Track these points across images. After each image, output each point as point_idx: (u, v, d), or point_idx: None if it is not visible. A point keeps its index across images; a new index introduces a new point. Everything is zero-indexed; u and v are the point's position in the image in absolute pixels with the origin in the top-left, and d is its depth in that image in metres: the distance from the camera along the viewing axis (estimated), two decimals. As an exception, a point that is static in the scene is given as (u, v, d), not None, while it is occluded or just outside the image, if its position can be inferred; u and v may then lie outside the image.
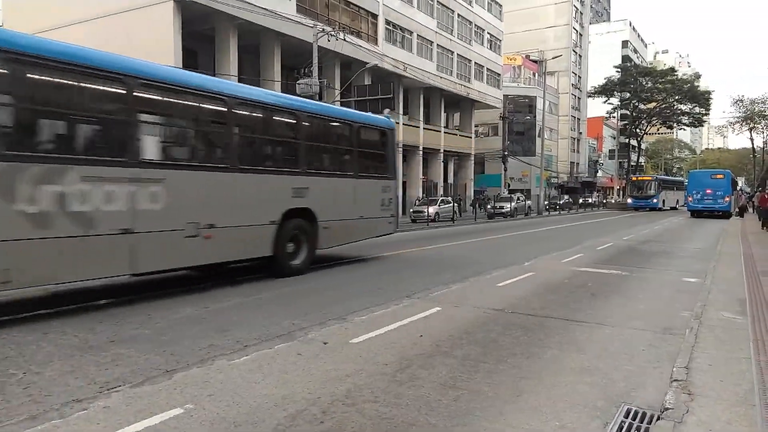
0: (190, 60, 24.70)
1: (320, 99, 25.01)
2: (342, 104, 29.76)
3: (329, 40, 24.76)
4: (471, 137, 47.90)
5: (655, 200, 47.66)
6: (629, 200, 50.63)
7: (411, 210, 31.55)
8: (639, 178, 52.34)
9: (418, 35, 38.12)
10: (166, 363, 4.99)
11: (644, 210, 47.03)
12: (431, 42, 39.80)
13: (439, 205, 30.98)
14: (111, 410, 3.93)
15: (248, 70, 27.39)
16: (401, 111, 37.24)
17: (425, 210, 29.31)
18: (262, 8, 24.54)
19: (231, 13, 23.68)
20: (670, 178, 64.45)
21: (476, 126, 51.23)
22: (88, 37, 23.20)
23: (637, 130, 69.07)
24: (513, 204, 37.20)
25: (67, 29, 24.58)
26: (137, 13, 23.21)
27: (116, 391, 4.30)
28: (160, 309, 7.33)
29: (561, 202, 51.22)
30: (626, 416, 3.94)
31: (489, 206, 37.37)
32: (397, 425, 3.73)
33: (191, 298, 8.22)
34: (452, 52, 42.69)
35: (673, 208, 51.36)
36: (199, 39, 25.87)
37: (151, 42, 22.68)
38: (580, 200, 58.00)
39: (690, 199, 38.92)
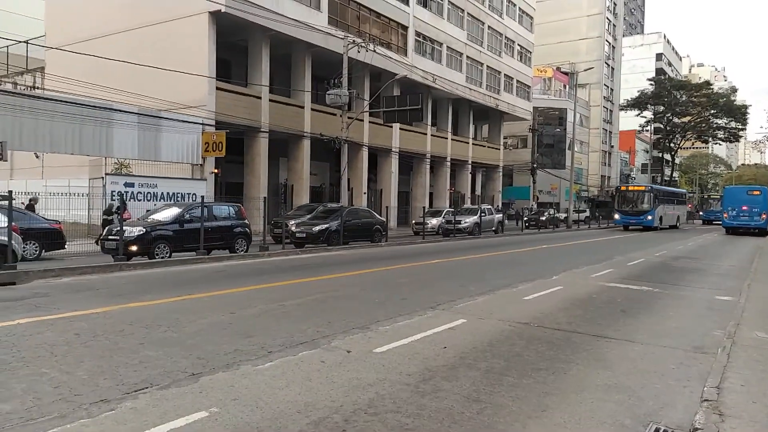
0: (223, 70, 25.21)
1: (349, 109, 25.23)
2: (371, 115, 30.01)
3: (359, 52, 25.00)
4: (499, 149, 47.64)
5: (649, 217, 37.89)
6: (616, 216, 40.29)
7: (413, 222, 29.60)
8: (629, 188, 42.49)
9: (447, 47, 38.20)
10: (193, 366, 5.07)
11: (637, 229, 38.29)
12: (461, 53, 39.82)
13: (479, 215, 28.68)
14: (138, 411, 4.01)
15: (279, 80, 27.82)
16: (429, 122, 37.31)
17: (429, 222, 26.46)
18: (294, 20, 24.95)
19: (264, 24, 24.12)
20: (670, 189, 51.19)
21: (505, 138, 50.95)
22: (125, 47, 23.97)
23: (671, 144, 67.75)
24: (492, 217, 30.60)
25: (106, 39, 25.39)
26: (173, 25, 23.83)
27: (143, 392, 4.38)
28: (187, 313, 7.46)
29: (582, 217, 47.41)
30: (654, 436, 3.85)
31: (525, 217, 37.07)
32: (418, 436, 3.71)
33: (217, 303, 8.35)
34: (482, 64, 42.63)
35: (673, 227, 42.04)
36: (233, 50, 26.40)
37: (187, 53, 23.26)
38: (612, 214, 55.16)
39: (725, 215, 37.86)
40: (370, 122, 31.15)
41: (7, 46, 33.16)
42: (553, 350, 5.99)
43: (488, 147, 46.54)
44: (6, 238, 11.01)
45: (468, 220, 28.19)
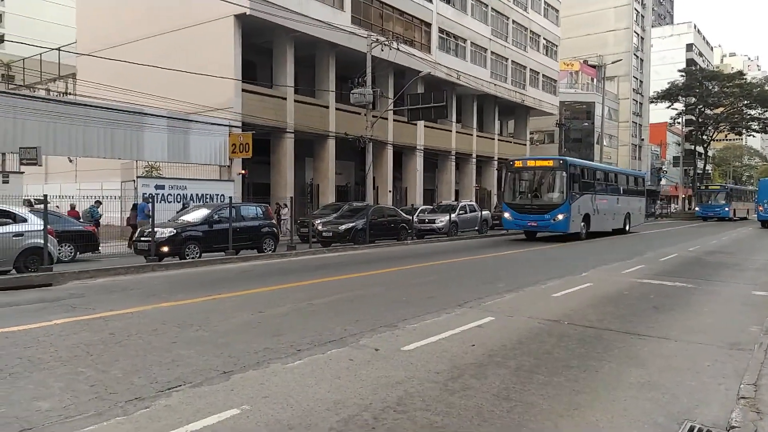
0: (249, 72, 25.50)
1: (374, 108, 25.25)
2: (395, 113, 29.98)
3: (383, 50, 25.00)
4: (526, 144, 47.11)
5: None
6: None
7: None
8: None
9: (471, 43, 37.92)
10: (224, 365, 5.15)
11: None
12: (485, 49, 39.49)
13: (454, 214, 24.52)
14: (171, 409, 4.09)
15: (304, 80, 28.00)
16: (454, 119, 37.11)
17: (433, 221, 24.17)
18: (318, 20, 25.07)
19: (288, 26, 24.31)
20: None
21: (531, 133, 50.35)
22: (153, 52, 24.41)
23: (704, 137, 65.97)
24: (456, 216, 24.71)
25: (134, 45, 25.90)
26: (199, 29, 24.19)
27: (177, 390, 4.47)
28: (218, 312, 7.58)
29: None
30: (689, 434, 3.77)
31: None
32: (448, 434, 3.70)
33: (246, 302, 8.46)
34: (507, 59, 42.21)
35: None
36: (258, 52, 26.67)
37: (213, 56, 23.59)
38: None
39: (760, 208, 36.76)
40: (394, 120, 31.13)
41: (40, 54, 34.14)
42: (584, 348, 5.91)
43: (514, 143, 46.06)
44: (42, 241, 11.34)
45: (443, 220, 24.03)
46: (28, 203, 13.26)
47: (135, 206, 16.07)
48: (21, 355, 5.43)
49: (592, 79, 60.41)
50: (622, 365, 5.34)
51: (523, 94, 44.11)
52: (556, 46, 50.11)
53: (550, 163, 22.08)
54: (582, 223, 22.26)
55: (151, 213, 14.08)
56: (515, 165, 22.81)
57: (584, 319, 7.34)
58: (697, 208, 49.36)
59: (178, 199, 20.22)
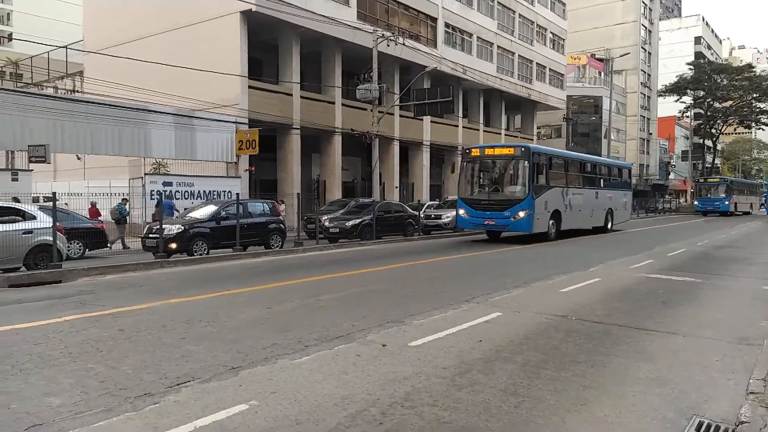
0: (254, 69, 25.51)
1: (380, 103, 25.22)
2: (401, 108, 29.92)
3: (388, 45, 24.93)
4: (533, 139, 46.89)
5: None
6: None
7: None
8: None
9: (477, 37, 37.75)
10: (232, 360, 5.18)
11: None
12: (491, 43, 39.31)
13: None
14: (181, 404, 4.12)
15: (310, 77, 27.99)
16: (461, 114, 37.00)
17: (440, 216, 23.07)
18: (324, 16, 25.03)
19: (294, 22, 24.28)
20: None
21: (538, 128, 50.12)
22: (159, 50, 24.47)
23: (713, 130, 65.45)
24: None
25: (141, 42, 25.97)
26: (205, 26, 24.22)
27: (186, 386, 4.50)
28: (226, 308, 7.62)
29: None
30: (698, 429, 3.75)
31: None
32: (456, 429, 3.71)
33: (254, 298, 8.50)
34: (513, 53, 41.99)
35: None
36: (264, 48, 26.67)
37: (219, 53, 23.62)
38: (649, 205, 52.19)
39: None
40: (400, 116, 31.08)
41: (48, 52, 34.28)
42: (592, 343, 5.90)
43: (521, 138, 45.83)
44: (51, 238, 11.42)
45: (449, 215, 22.42)
46: (15, 200, 13.34)
47: (159, 202, 16.20)
48: (31, 352, 5.49)
49: (600, 73, 60.03)
50: (630, 360, 5.32)
51: (530, 89, 43.89)
52: (563, 39, 49.79)
53: (511, 151, 19.04)
54: (550, 221, 19.25)
55: (175, 208, 14.12)
56: (472, 153, 19.69)
57: (592, 314, 7.33)
58: (696, 202, 47.73)
59: (186, 196, 20.30)
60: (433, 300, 8.18)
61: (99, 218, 17.58)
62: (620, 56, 55.96)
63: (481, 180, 19.70)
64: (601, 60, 60.65)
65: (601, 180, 24.55)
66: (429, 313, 7.26)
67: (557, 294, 8.87)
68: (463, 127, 37.52)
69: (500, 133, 41.92)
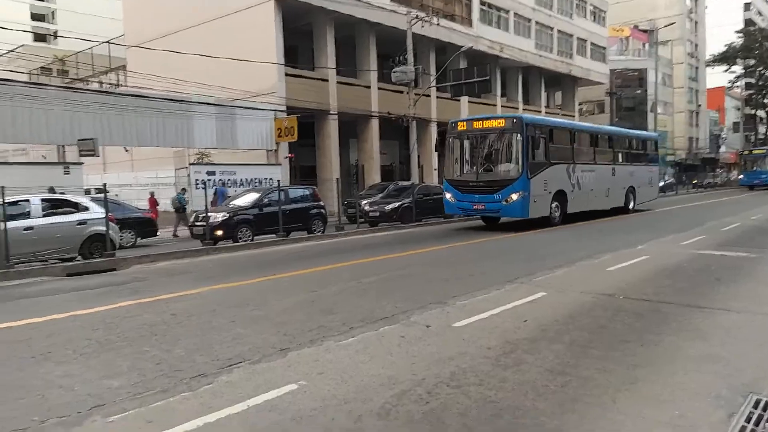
0: (290, 56, 25.68)
1: (416, 86, 25.02)
2: (438, 90, 29.62)
3: (423, 26, 24.66)
4: (574, 116, 45.76)
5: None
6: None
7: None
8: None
9: (515, 13, 36.91)
10: (281, 342, 5.30)
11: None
12: (529, 19, 38.36)
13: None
14: (233, 384, 4.25)
15: (345, 61, 27.98)
16: (499, 93, 36.38)
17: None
18: (357, 0, 24.93)
19: (327, 7, 24.29)
20: None
21: (580, 104, 48.84)
22: (198, 41, 24.88)
23: (765, 100, 62.40)
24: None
25: (180, 34, 26.47)
26: (241, 15, 24.48)
27: (237, 367, 4.64)
28: (272, 292, 7.79)
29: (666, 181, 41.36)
30: (755, 407, 3.64)
31: None
32: (502, 408, 3.71)
33: (299, 282, 8.65)
34: (552, 28, 40.88)
35: None
36: (298, 35, 26.80)
37: (255, 42, 23.87)
38: (695, 180, 48.34)
39: None
40: (437, 97, 30.80)
41: (91, 47, 35.36)
42: (641, 322, 5.77)
43: (562, 115, 44.79)
44: (104, 228, 11.87)
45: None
46: (51, 191, 13.77)
47: (216, 191, 16.89)
48: (90, 337, 5.74)
49: (644, 45, 57.88)
50: (681, 338, 5.18)
51: (570, 64, 42.73)
52: (604, 11, 48.14)
53: (501, 123, 16.01)
54: (553, 204, 16.57)
55: (229, 195, 14.51)
56: (458, 127, 16.79)
57: (640, 292, 7.15)
58: (741, 176, 44.59)
59: (229, 184, 20.76)
60: (476, 281, 8.14)
61: (156, 207, 18.27)
62: (665, 26, 53.72)
63: (470, 158, 16.87)
64: (644, 31, 58.39)
65: (620, 154, 21.17)
66: (472, 294, 7.24)
67: (604, 272, 8.69)
68: (502, 106, 36.91)
69: (541, 111, 41.06)
